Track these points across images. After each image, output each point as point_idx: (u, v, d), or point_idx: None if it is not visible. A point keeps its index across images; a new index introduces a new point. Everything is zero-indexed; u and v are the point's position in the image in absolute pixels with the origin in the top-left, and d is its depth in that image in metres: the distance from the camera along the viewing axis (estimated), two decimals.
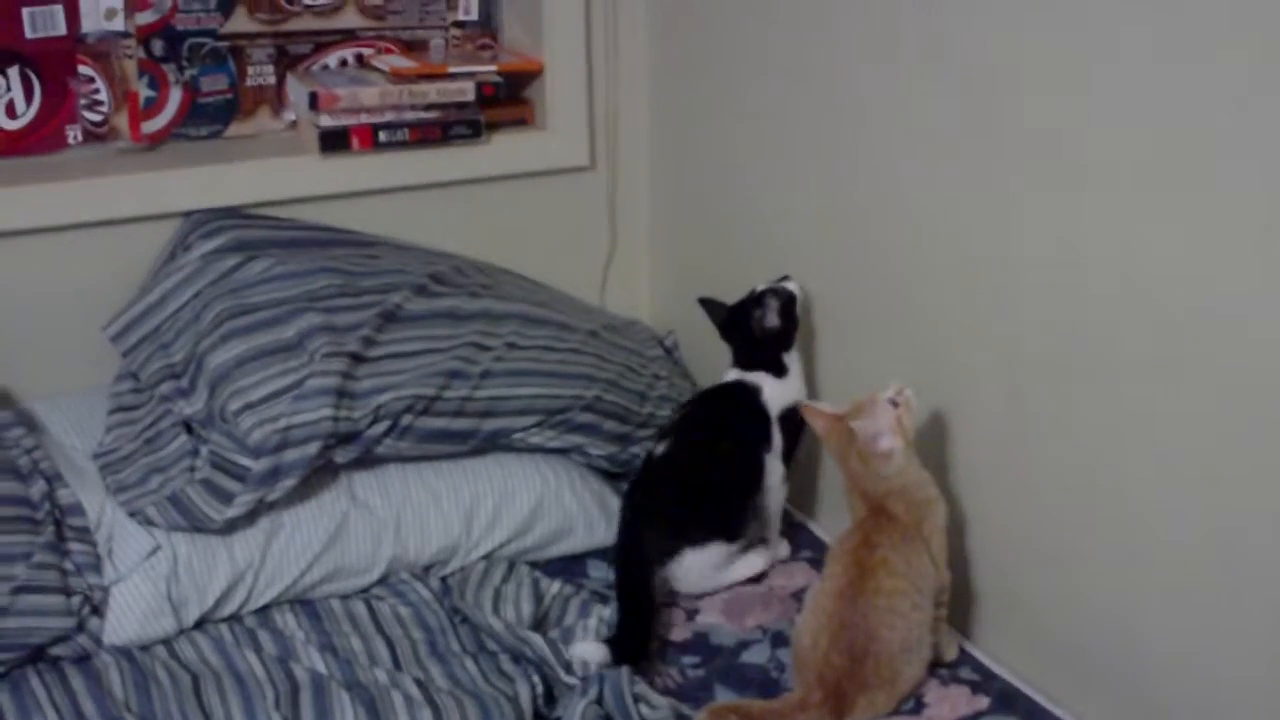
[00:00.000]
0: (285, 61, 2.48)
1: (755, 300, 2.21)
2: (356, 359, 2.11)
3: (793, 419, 2.19)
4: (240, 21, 2.42)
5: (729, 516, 2.15)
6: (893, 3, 2.00)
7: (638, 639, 1.97)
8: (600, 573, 2.23)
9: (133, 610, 1.96)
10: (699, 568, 2.12)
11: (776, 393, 2.20)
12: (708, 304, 2.30)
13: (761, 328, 2.20)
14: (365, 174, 2.44)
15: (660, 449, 2.18)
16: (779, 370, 2.21)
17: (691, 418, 2.23)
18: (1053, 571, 1.93)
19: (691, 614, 2.11)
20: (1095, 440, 1.81)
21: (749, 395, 2.20)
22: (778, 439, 2.19)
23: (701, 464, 2.15)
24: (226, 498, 2.00)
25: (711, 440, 2.17)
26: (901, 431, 1.89)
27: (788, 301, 2.20)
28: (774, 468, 2.19)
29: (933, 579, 1.89)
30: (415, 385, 2.12)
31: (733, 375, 2.24)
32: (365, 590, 2.13)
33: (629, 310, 2.70)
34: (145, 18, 2.34)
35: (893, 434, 1.88)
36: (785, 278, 2.23)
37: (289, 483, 2.03)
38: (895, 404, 1.90)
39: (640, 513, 2.13)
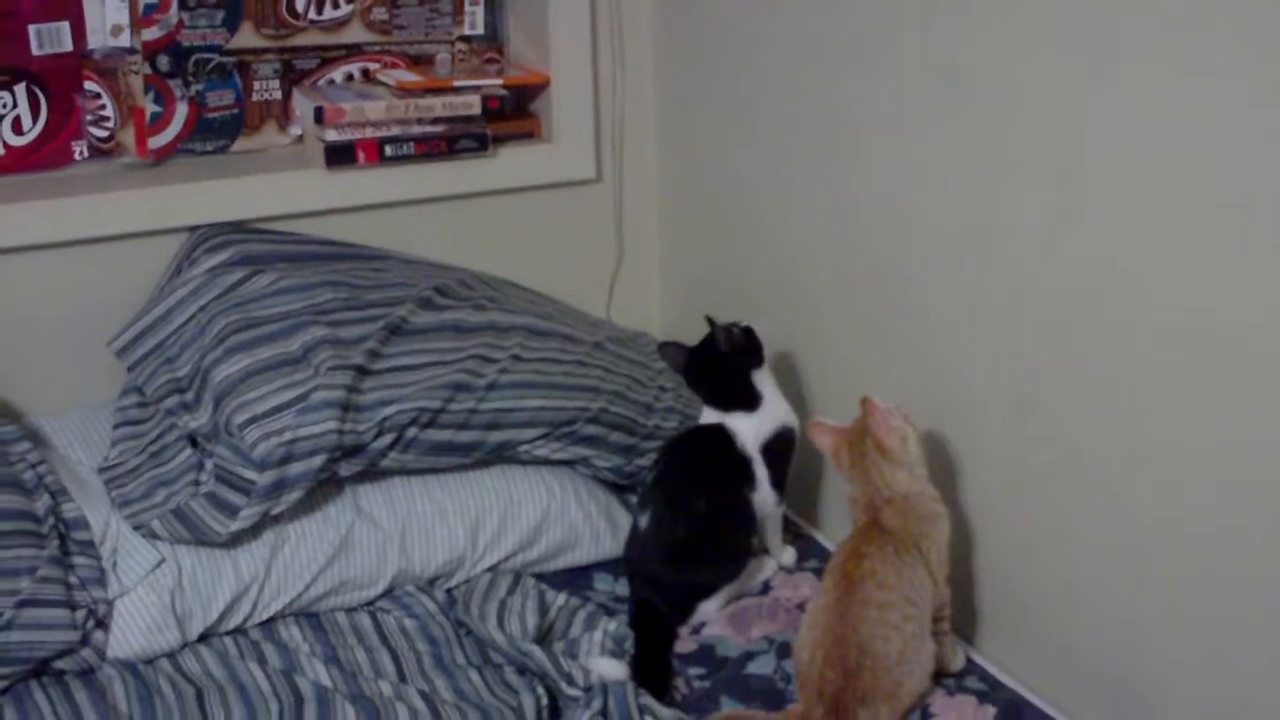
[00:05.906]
0: (291, 76, 2.49)
1: (714, 330, 2.18)
2: (361, 372, 2.11)
3: (777, 448, 2.17)
4: (246, 37, 2.43)
5: (728, 563, 2.14)
6: (896, 16, 2.00)
7: (661, 677, 1.97)
8: (606, 585, 2.22)
9: (137, 624, 1.96)
10: (713, 607, 2.12)
11: (754, 429, 2.16)
12: (666, 349, 2.27)
13: (730, 341, 2.15)
14: (371, 188, 2.44)
15: (644, 520, 2.12)
16: (752, 403, 2.17)
17: (665, 477, 2.16)
18: (1059, 581, 1.92)
19: (697, 626, 2.11)
20: (1100, 449, 1.80)
21: (723, 442, 2.16)
22: (762, 474, 2.16)
23: (687, 529, 2.11)
24: (231, 511, 2.00)
25: (689, 502, 2.11)
26: (909, 421, 1.91)
27: (747, 328, 2.18)
28: (764, 501, 2.17)
29: (929, 592, 1.87)
30: (420, 398, 2.12)
31: (708, 417, 2.20)
32: (370, 603, 2.13)
33: (636, 323, 2.70)
34: (151, 33, 2.35)
35: (901, 419, 1.91)
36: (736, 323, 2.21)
37: (294, 496, 2.03)
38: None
39: (647, 586, 2.11)
